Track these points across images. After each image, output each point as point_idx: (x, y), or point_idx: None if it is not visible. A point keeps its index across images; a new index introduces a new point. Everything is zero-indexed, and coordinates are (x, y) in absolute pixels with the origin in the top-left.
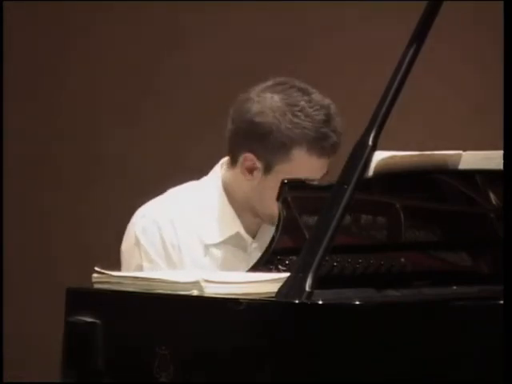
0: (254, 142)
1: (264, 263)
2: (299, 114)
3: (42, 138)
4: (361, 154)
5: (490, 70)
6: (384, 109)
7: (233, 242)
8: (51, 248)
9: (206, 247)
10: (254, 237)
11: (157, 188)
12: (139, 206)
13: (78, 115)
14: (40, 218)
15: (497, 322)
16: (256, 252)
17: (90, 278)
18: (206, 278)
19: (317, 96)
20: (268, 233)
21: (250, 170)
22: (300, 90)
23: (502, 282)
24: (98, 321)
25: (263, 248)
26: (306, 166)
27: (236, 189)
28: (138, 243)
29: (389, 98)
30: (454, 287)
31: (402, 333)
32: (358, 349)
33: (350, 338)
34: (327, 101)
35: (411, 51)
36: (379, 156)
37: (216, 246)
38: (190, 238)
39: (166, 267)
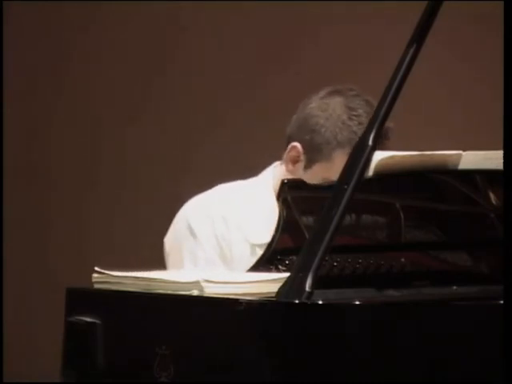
0: (305, 134)
1: (264, 263)
2: (354, 118)
3: (42, 139)
4: (361, 154)
5: (490, 69)
6: (384, 109)
7: None
8: (51, 248)
9: (253, 247)
10: None
11: (158, 190)
12: (142, 207)
13: (78, 116)
14: (40, 218)
15: (497, 322)
16: None
17: (90, 278)
18: (206, 278)
19: None
20: None
21: (294, 161)
22: (365, 100)
23: (501, 281)
24: (97, 321)
25: None
26: None
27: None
28: (193, 233)
29: (389, 98)
30: (454, 287)
31: (402, 333)
32: (358, 349)
33: (350, 338)
34: (388, 123)
35: (411, 51)
36: (379, 156)
37: (261, 246)
38: (240, 236)
39: (219, 260)
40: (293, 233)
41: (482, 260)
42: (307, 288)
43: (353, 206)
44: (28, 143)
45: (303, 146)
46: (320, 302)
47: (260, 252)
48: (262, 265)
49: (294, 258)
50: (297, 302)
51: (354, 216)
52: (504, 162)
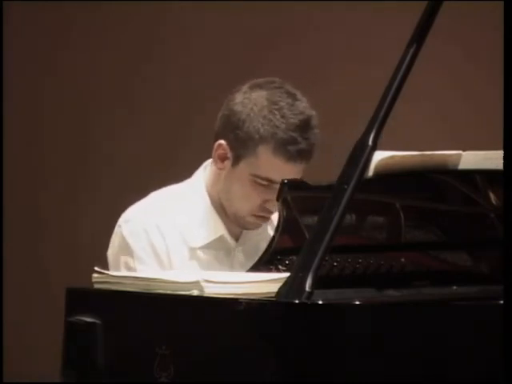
0: (229, 131)
1: (264, 263)
2: (276, 112)
3: (41, 139)
4: (361, 154)
5: (490, 69)
6: (384, 109)
7: (217, 245)
8: (51, 248)
9: (192, 250)
10: (237, 240)
11: (150, 189)
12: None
13: (74, 116)
14: (40, 217)
15: (497, 321)
16: (240, 256)
17: (89, 277)
18: (206, 278)
19: (302, 104)
20: (250, 236)
21: (222, 158)
22: (287, 92)
23: (502, 281)
24: (97, 321)
25: (247, 252)
26: (269, 166)
27: (213, 187)
28: (127, 247)
29: (389, 98)
30: (454, 287)
31: (402, 333)
32: (358, 349)
33: (350, 338)
34: (311, 111)
35: (411, 51)
36: (379, 156)
37: (201, 249)
38: (177, 242)
39: (159, 269)
40: (293, 233)
41: (482, 260)
42: (307, 288)
43: (353, 206)
44: (26, 143)
45: (229, 143)
46: (320, 302)
47: (200, 255)
48: (261, 265)
49: (294, 258)
50: (297, 301)
51: (353, 216)
52: (504, 162)
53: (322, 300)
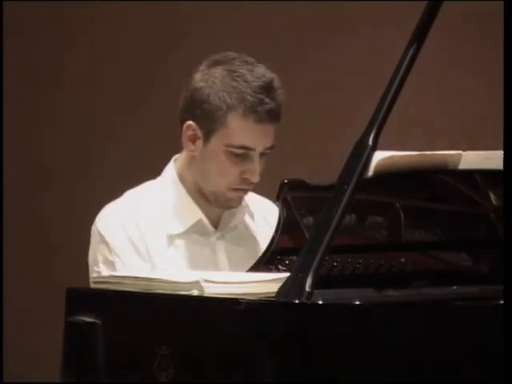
0: (195, 109)
1: (264, 263)
2: (238, 79)
3: (41, 139)
4: (361, 154)
5: (490, 69)
6: (384, 109)
7: (196, 230)
8: (51, 248)
9: (171, 238)
10: (216, 226)
11: None
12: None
13: (74, 117)
14: (39, 217)
15: (497, 321)
16: (220, 242)
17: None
18: (206, 278)
19: (261, 68)
20: (230, 220)
21: (193, 140)
22: (244, 61)
23: (501, 282)
24: (97, 321)
25: (227, 236)
26: (242, 132)
27: (187, 173)
28: (104, 242)
29: (389, 98)
30: (454, 287)
31: (402, 333)
32: (358, 349)
33: (349, 338)
34: (271, 74)
35: (411, 51)
36: (379, 156)
37: (180, 236)
38: (154, 232)
39: (138, 260)
40: (293, 233)
41: (482, 260)
42: (307, 288)
43: (353, 206)
44: (27, 142)
45: (196, 122)
46: (320, 302)
47: (178, 243)
48: (262, 265)
49: (294, 258)
50: (297, 301)
51: (353, 216)
52: (504, 162)
53: (322, 300)
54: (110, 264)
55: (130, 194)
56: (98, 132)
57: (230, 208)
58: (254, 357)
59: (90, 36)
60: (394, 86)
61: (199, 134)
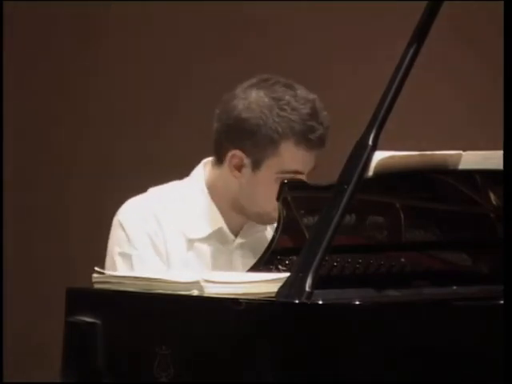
0: (242, 138)
1: (264, 263)
2: (286, 107)
3: (40, 140)
4: (361, 153)
5: (490, 69)
6: (384, 109)
7: (216, 237)
8: (51, 248)
9: (190, 242)
10: (236, 235)
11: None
12: None
13: (78, 115)
14: (39, 217)
15: (497, 321)
16: (238, 250)
17: (90, 277)
18: (206, 278)
19: (302, 91)
20: (251, 232)
21: (239, 168)
22: (285, 85)
23: (501, 282)
24: (97, 321)
25: (245, 246)
26: (294, 159)
27: (222, 188)
28: (123, 231)
29: (389, 98)
30: (454, 287)
31: (402, 333)
32: (358, 349)
33: (349, 338)
34: (312, 95)
35: (411, 51)
36: (379, 156)
37: (200, 240)
38: (175, 233)
39: (155, 255)
40: (293, 233)
41: (482, 260)
42: (307, 288)
43: (353, 206)
44: (25, 144)
45: (244, 151)
46: (320, 302)
47: (198, 247)
48: (262, 265)
49: (294, 258)
50: (297, 301)
51: (353, 216)
52: (504, 162)
53: (322, 300)
54: (127, 257)
55: (154, 191)
56: (108, 129)
57: (271, 224)
58: (253, 357)
59: (90, 36)
60: (394, 86)
61: (246, 162)
